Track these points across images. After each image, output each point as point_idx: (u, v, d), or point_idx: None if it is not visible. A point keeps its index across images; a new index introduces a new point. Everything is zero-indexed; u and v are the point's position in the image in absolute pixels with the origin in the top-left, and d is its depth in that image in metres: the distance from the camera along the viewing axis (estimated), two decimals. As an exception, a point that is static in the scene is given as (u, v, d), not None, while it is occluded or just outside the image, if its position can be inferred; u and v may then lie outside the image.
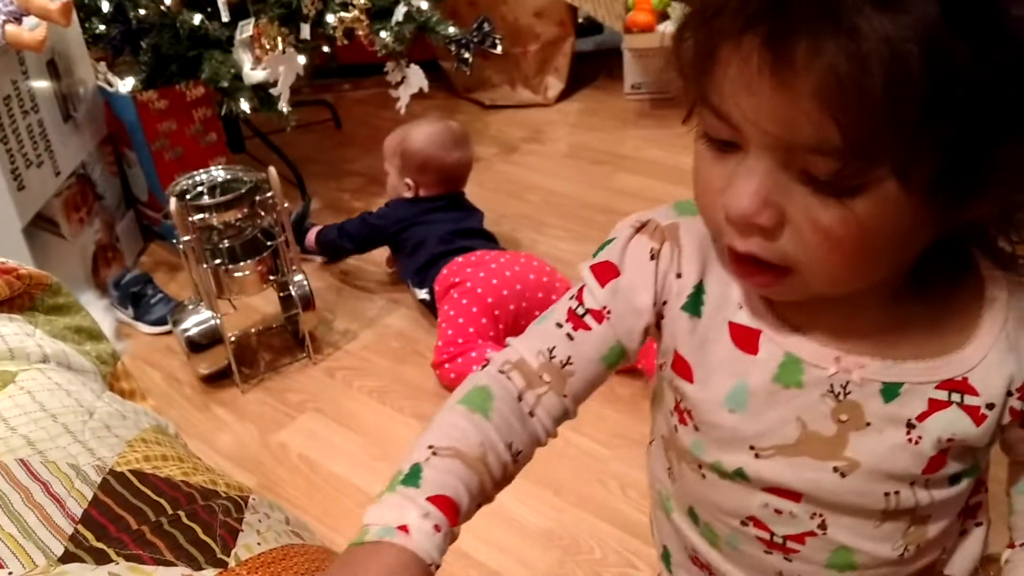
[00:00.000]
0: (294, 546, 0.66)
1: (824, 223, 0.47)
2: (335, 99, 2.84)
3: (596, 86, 2.84)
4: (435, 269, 1.74)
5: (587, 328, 0.62)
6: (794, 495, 0.59)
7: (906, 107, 0.42)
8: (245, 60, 1.95)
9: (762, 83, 0.45)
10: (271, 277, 1.67)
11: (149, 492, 0.67)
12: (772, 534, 0.61)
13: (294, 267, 1.69)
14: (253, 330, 1.81)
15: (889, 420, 0.55)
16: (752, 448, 0.58)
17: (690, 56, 0.50)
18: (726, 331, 0.58)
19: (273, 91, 1.97)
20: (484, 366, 0.65)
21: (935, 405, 0.55)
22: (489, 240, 1.87)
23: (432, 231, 1.80)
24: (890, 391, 0.55)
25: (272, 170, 1.61)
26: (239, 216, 1.60)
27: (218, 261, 1.61)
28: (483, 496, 0.59)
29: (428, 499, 0.55)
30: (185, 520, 0.64)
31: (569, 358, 0.63)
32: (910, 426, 0.55)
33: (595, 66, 2.92)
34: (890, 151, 0.44)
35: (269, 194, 1.61)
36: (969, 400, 0.54)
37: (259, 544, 0.63)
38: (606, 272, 0.62)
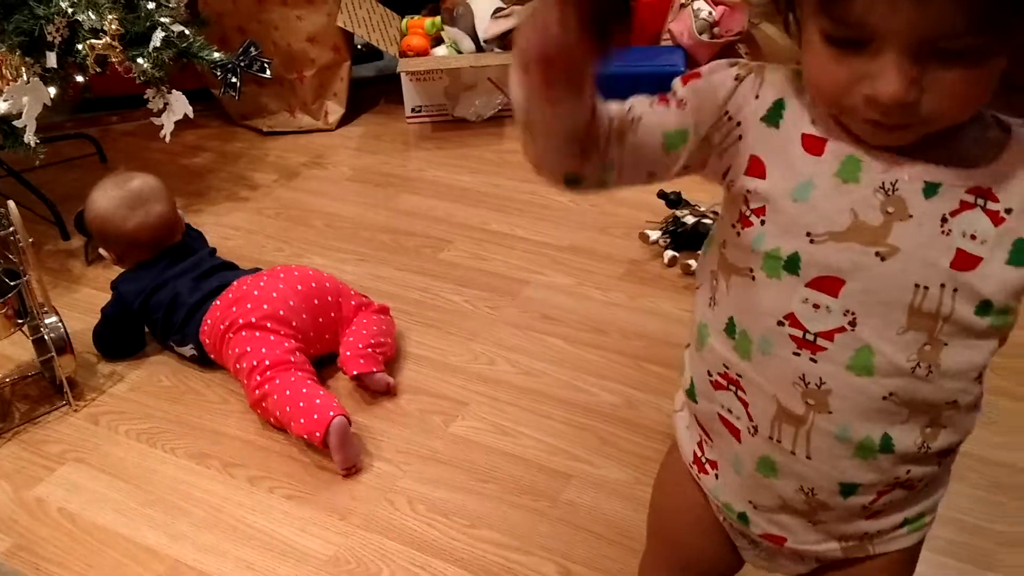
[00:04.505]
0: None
1: (958, 88, 0.60)
2: (100, 133, 2.68)
3: (378, 110, 2.82)
4: (194, 322, 1.64)
5: (667, 104, 0.73)
6: (834, 287, 0.68)
7: None
8: (-18, 91, 1.80)
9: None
10: (19, 320, 1.53)
11: None
12: (805, 331, 0.70)
13: (45, 308, 1.57)
14: (8, 379, 1.66)
15: (928, 214, 0.66)
16: (808, 234, 0.68)
17: None
18: (798, 139, 0.69)
19: (17, 123, 1.83)
20: None
21: (964, 206, 0.66)
22: (234, 269, 1.79)
23: (177, 287, 1.68)
24: (930, 189, 0.66)
25: (11, 204, 1.48)
26: (-25, 256, 1.46)
27: (-46, 307, 1.46)
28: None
29: None
30: None
31: (641, 116, 0.72)
32: (944, 220, 0.66)
33: (376, 91, 2.90)
34: (1009, 27, 0.56)
35: (11, 230, 1.48)
36: (991, 205, 0.66)
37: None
38: (691, 77, 0.73)
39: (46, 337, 1.56)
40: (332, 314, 1.66)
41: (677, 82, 0.74)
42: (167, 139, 2.10)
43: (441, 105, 2.67)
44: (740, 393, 0.77)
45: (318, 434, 1.42)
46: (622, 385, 1.61)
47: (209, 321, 1.63)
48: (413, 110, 2.68)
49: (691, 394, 0.85)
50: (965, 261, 0.67)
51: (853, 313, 0.68)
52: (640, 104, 0.73)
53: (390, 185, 2.38)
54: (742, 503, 0.82)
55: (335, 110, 2.70)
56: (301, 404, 1.46)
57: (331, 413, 1.43)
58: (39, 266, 1.56)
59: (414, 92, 2.65)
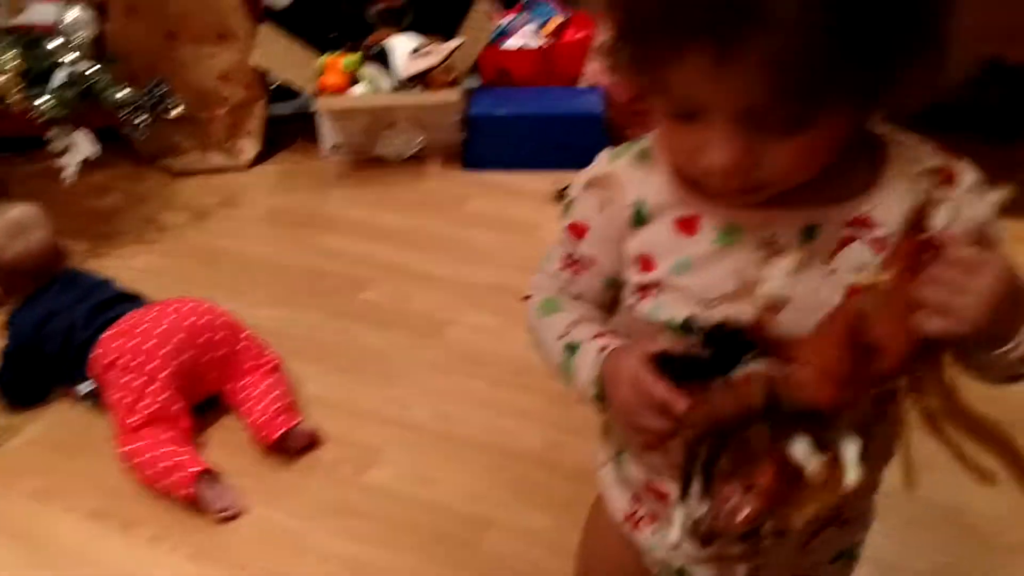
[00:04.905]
0: None
1: (791, 154, 0.60)
2: (5, 173, 2.57)
3: (295, 149, 2.77)
4: (86, 354, 1.58)
5: (581, 272, 0.78)
6: None
7: (828, 61, 0.54)
8: None
9: (715, 75, 0.56)
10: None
11: None
12: None
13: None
14: None
15: (811, 258, 0.67)
16: (702, 301, 0.69)
17: (638, 62, 0.62)
18: (672, 225, 0.70)
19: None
20: (531, 296, 0.82)
21: (845, 241, 0.67)
22: (134, 301, 1.73)
23: (73, 317, 1.63)
24: (809, 232, 0.67)
25: None
26: None
27: None
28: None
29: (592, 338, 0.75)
30: None
31: (580, 293, 0.79)
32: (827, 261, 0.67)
33: (294, 129, 2.84)
34: (825, 93, 0.57)
35: None
36: (872, 234, 0.67)
37: None
38: (578, 231, 0.77)
39: (-69, 391, 1.47)
40: (222, 351, 1.62)
41: (570, 240, 0.78)
42: (70, 180, 2.02)
43: (360, 143, 2.63)
44: (666, 455, 0.76)
45: (190, 491, 1.40)
46: (544, 427, 1.57)
47: (99, 351, 1.58)
48: (331, 148, 2.64)
49: (620, 460, 0.85)
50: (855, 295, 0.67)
51: None
52: (571, 282, 0.79)
53: (307, 225, 2.33)
54: (681, 557, 0.81)
55: (249, 149, 2.64)
56: (163, 465, 1.44)
57: (192, 469, 1.42)
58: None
59: (332, 130, 2.61)
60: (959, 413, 0.66)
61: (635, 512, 0.84)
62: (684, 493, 0.69)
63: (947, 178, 0.67)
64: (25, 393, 1.68)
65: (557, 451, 1.51)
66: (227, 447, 1.55)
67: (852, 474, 0.62)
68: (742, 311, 0.66)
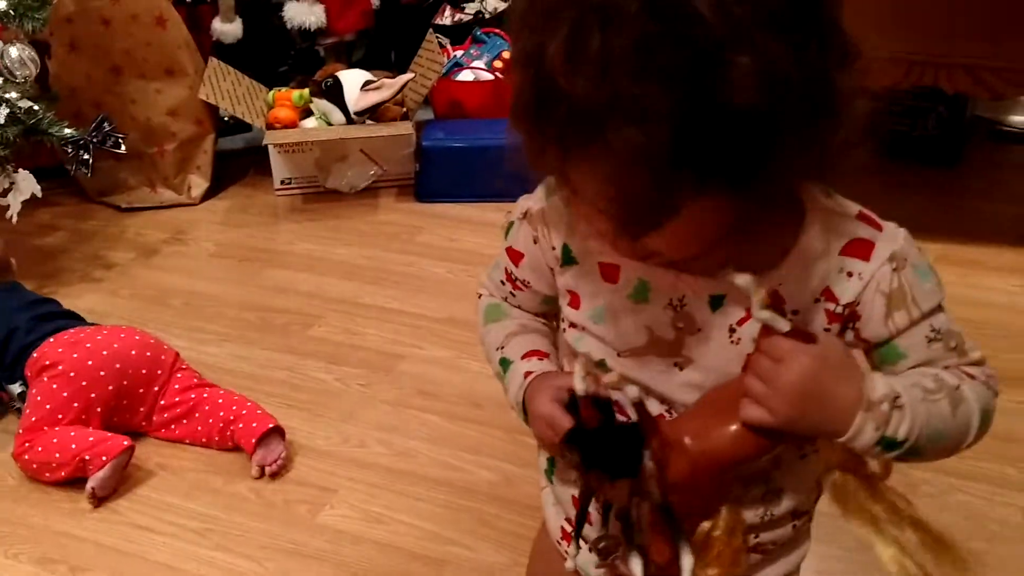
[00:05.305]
0: None
1: (665, 239, 0.60)
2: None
3: (245, 183, 2.73)
4: (26, 357, 1.60)
5: (521, 289, 0.83)
6: (644, 390, 0.71)
7: (670, 180, 0.55)
8: None
9: (566, 172, 0.61)
10: None
11: None
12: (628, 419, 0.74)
13: None
14: None
15: (716, 326, 0.69)
16: (614, 349, 0.73)
17: (524, 137, 0.63)
18: (596, 269, 0.73)
19: None
20: (483, 296, 0.88)
21: (751, 313, 0.66)
22: (78, 319, 1.75)
23: (15, 322, 1.64)
24: (716, 302, 0.68)
25: None
26: None
27: None
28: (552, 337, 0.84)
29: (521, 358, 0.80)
30: None
31: (520, 304, 0.85)
32: (732, 330, 0.69)
33: (244, 163, 2.82)
34: (675, 196, 0.57)
35: None
36: (778, 310, 0.66)
37: None
38: (516, 256, 0.82)
39: None
40: (156, 388, 1.62)
41: (509, 263, 0.82)
42: (14, 220, 2.00)
43: (312, 177, 2.62)
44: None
45: (104, 458, 1.45)
46: (500, 461, 1.57)
47: (36, 355, 1.58)
48: (282, 182, 2.62)
49: (548, 475, 0.87)
50: None
51: (668, 405, 0.74)
52: (513, 294, 0.84)
53: (257, 260, 2.30)
54: None
55: (199, 184, 2.61)
56: (89, 439, 1.48)
57: (124, 443, 1.48)
58: None
59: (283, 164, 2.59)
60: (881, 499, 0.69)
61: (571, 531, 0.85)
62: (577, 532, 0.74)
63: (863, 251, 0.67)
64: None
65: (512, 486, 1.51)
66: (177, 490, 1.52)
67: None
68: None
